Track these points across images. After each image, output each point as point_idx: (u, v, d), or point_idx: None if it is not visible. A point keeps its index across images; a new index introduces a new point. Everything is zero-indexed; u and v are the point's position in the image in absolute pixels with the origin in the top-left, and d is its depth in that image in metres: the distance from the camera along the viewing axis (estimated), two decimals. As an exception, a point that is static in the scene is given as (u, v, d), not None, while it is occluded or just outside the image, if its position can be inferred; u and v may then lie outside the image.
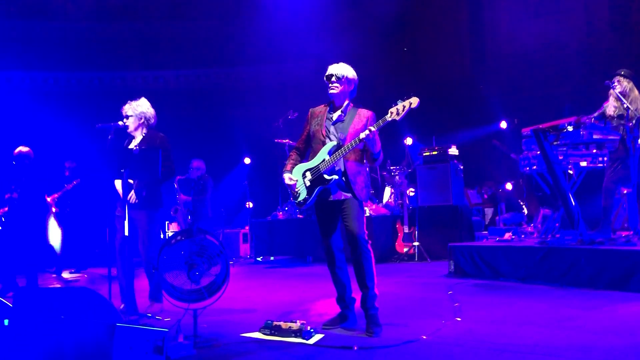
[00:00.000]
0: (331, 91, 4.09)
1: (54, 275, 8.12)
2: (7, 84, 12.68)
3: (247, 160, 12.20)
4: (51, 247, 8.04)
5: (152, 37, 13.63)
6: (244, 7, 12.93)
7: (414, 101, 3.77)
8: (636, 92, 6.02)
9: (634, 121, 5.88)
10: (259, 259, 9.79)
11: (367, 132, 3.82)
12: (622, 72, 6.07)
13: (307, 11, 12.10)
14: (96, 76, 13.58)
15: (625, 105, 5.88)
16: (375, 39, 12.15)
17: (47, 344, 3.26)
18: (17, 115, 11.31)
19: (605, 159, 6.16)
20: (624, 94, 6.00)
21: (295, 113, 9.61)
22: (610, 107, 6.12)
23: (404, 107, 3.78)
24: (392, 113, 3.82)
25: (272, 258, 9.82)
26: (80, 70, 13.36)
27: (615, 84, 6.04)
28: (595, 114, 6.20)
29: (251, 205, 11.06)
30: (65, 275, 8.23)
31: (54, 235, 8.16)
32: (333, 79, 4.07)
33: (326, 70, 4.15)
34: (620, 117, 6.04)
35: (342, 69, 4.09)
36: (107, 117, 4.98)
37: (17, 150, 6.70)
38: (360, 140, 3.86)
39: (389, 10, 11.65)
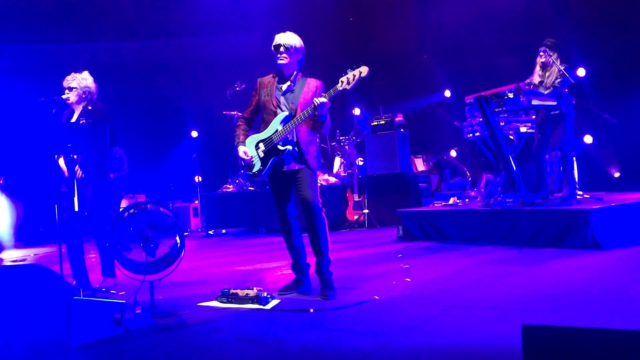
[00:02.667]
0: (280, 62, 4.09)
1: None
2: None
3: (194, 134, 12.05)
4: None
5: (91, 8, 13.09)
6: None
7: (364, 70, 3.84)
8: (557, 63, 6.21)
9: (550, 89, 6.17)
10: (210, 232, 9.78)
11: (322, 99, 3.86)
12: (547, 43, 6.30)
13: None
14: (31, 49, 12.98)
15: (556, 74, 6.15)
16: (320, 8, 12.11)
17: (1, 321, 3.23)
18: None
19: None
20: (547, 63, 6.27)
21: (243, 84, 9.56)
22: (536, 76, 6.39)
23: (354, 76, 3.85)
24: (342, 82, 3.88)
25: (223, 231, 9.83)
26: (15, 43, 12.75)
27: (541, 53, 6.28)
28: (527, 81, 6.47)
29: (200, 179, 10.97)
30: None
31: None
32: (281, 49, 4.06)
33: (273, 39, 4.15)
34: (541, 84, 6.31)
35: (290, 39, 4.09)
36: (46, 91, 4.84)
37: None
38: (313, 109, 3.91)
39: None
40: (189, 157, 11.40)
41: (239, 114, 9.48)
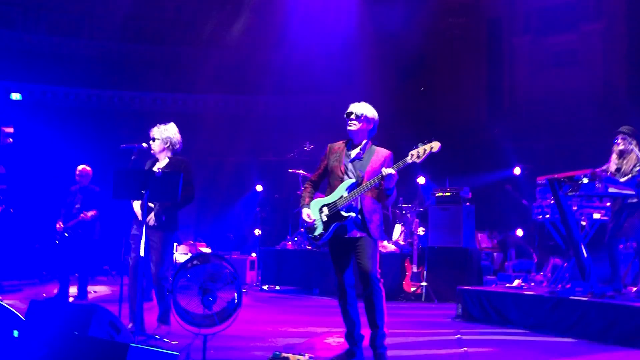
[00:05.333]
0: (349, 128, 4.15)
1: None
2: (29, 97, 12.98)
3: (259, 188, 12.28)
4: None
5: (173, 61, 13.96)
6: (266, 37, 13.22)
7: (435, 146, 3.84)
8: (636, 150, 6.00)
9: (628, 177, 5.92)
10: (264, 287, 9.75)
11: (390, 170, 3.87)
12: (625, 130, 6.11)
13: (329, 46, 12.36)
14: (116, 95, 13.83)
15: (634, 161, 5.93)
16: (394, 77, 12.34)
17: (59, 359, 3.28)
18: (35, 127, 11.54)
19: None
20: (625, 151, 6.07)
21: (311, 145, 9.70)
22: (612, 164, 6.18)
23: (425, 150, 3.85)
24: (412, 155, 3.89)
25: (277, 287, 9.77)
26: (101, 88, 13.65)
27: (619, 141, 6.09)
28: (604, 167, 6.26)
29: (259, 232, 11.07)
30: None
31: None
32: (352, 116, 4.14)
33: (344, 103, 4.25)
34: (618, 170, 6.08)
35: (362, 108, 4.17)
36: (125, 136, 5.07)
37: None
38: (380, 179, 3.91)
39: (409, 49, 11.87)
40: (251, 210, 11.58)
41: (304, 173, 9.62)
